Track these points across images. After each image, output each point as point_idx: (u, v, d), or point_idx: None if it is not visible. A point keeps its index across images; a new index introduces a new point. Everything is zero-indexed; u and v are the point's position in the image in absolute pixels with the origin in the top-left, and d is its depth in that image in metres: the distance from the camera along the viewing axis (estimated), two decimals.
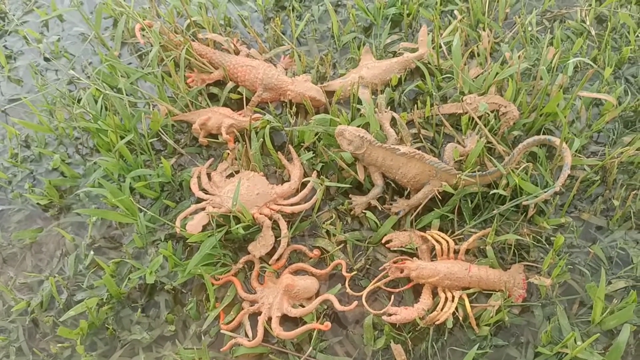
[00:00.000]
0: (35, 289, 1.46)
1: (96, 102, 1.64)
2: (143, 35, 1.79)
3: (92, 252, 1.48)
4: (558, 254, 1.40)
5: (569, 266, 1.38)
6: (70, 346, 1.36)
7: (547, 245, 1.41)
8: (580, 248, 1.42)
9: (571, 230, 1.44)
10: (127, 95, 1.60)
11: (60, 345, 1.36)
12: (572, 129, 1.59)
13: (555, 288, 1.36)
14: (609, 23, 1.81)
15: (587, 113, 1.63)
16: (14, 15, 2.05)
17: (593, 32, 1.81)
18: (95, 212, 1.48)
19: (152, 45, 1.69)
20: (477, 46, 1.74)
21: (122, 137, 1.53)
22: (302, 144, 1.59)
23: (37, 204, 1.59)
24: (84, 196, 1.59)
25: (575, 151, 1.50)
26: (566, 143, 1.45)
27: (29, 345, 1.38)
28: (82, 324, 1.34)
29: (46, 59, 1.92)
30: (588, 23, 1.82)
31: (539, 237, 1.42)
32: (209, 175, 1.55)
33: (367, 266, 1.43)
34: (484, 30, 1.77)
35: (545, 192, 1.39)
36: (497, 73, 1.61)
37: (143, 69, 1.76)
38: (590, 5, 1.86)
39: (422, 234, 1.41)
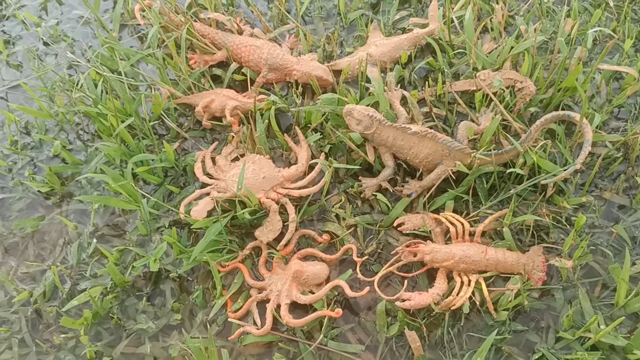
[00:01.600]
0: (38, 279, 1.43)
1: (96, 86, 1.60)
2: (143, 17, 1.74)
3: (95, 240, 1.45)
4: (579, 234, 1.35)
5: (591, 247, 1.34)
6: (74, 336, 1.33)
7: (568, 226, 1.37)
8: (602, 228, 1.38)
9: (592, 210, 1.39)
10: (127, 78, 1.56)
11: (64, 335, 1.33)
12: (592, 104, 1.54)
13: (577, 270, 1.31)
14: None
15: (608, 87, 1.57)
16: None
17: (611, 4, 1.74)
18: (98, 199, 1.45)
19: (152, 27, 1.63)
20: (490, 20, 1.68)
21: (123, 122, 1.49)
22: (309, 125, 1.54)
23: (38, 191, 1.56)
24: (86, 183, 1.55)
25: (596, 127, 1.45)
26: (586, 119, 1.39)
27: (32, 337, 1.35)
28: (86, 314, 1.31)
29: (45, 44, 1.88)
30: None
31: (558, 218, 1.37)
32: (213, 160, 1.51)
33: (379, 250, 1.39)
34: (497, 3, 1.71)
35: (565, 170, 1.33)
36: (512, 47, 1.55)
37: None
38: None
39: (436, 216, 1.37)
